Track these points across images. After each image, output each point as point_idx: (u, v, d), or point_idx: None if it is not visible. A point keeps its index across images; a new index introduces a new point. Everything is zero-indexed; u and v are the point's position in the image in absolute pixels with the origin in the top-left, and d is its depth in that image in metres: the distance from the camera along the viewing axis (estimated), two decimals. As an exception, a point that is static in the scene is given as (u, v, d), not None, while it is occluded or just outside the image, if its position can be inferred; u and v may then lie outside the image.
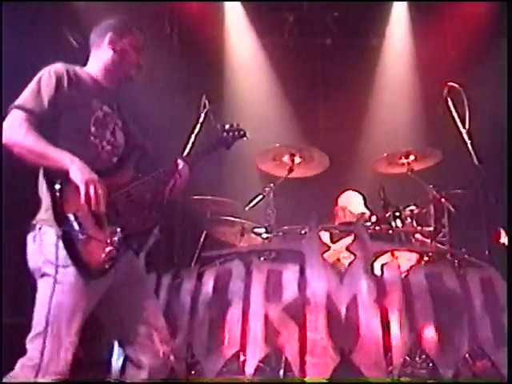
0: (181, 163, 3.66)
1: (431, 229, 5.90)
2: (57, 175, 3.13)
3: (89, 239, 3.10)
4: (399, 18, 8.26)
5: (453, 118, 5.15)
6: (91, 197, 3.12)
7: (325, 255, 4.93)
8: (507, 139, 3.61)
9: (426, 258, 5.57)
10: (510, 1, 5.00)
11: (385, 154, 6.21)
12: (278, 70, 8.39)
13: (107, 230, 3.19)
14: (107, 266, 3.16)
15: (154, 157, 3.71)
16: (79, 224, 3.09)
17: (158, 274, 4.92)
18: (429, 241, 5.88)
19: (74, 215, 3.10)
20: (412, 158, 6.12)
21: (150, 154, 3.65)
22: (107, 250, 3.15)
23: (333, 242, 5.81)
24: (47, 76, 3.30)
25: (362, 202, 6.51)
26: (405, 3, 8.17)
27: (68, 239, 3.07)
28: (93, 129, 3.38)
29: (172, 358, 3.45)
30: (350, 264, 4.83)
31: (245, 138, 4.13)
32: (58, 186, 3.10)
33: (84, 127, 3.36)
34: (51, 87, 3.27)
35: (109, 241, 3.17)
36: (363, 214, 6.20)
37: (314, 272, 4.69)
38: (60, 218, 3.09)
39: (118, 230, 3.22)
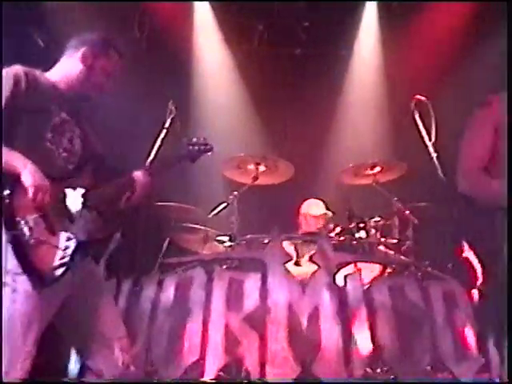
0: (138, 175, 3.60)
1: (395, 241, 5.89)
2: (7, 178, 3.06)
3: (40, 244, 3.03)
4: (369, 28, 8.26)
5: (419, 130, 5.15)
6: (38, 202, 3.05)
7: (289, 265, 4.91)
8: (507, 143, 3.62)
9: (389, 270, 5.57)
10: (510, 1, 5.02)
11: (351, 165, 6.21)
12: (247, 77, 8.35)
13: (60, 236, 3.12)
14: (59, 273, 3.08)
15: (117, 162, 3.65)
16: (30, 229, 3.02)
17: (119, 280, 4.85)
18: (392, 253, 5.88)
19: (25, 220, 3.02)
20: (378, 169, 6.12)
21: (109, 162, 3.59)
22: (59, 255, 3.07)
23: (297, 252, 5.78)
24: (5, 77, 3.22)
25: (324, 206, 6.52)
26: (374, 15, 8.17)
27: (17, 244, 2.99)
28: (49, 135, 3.30)
29: (132, 367, 3.39)
30: (312, 275, 4.80)
31: (209, 153, 4.07)
32: (6, 192, 3.02)
33: (40, 132, 3.28)
34: (8, 89, 3.19)
35: (61, 247, 3.10)
36: (323, 215, 6.20)
37: (276, 282, 4.65)
38: (9, 223, 3.00)
39: (72, 236, 3.15)
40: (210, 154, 4.06)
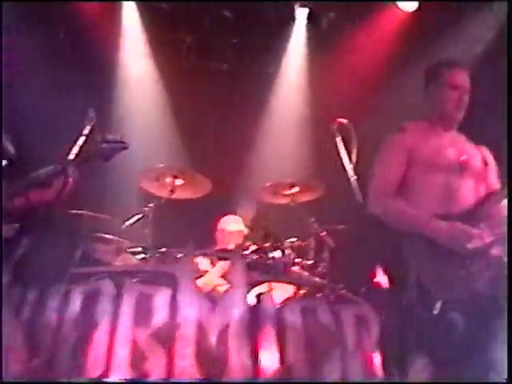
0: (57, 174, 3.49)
1: (310, 262, 5.89)
2: None
3: None
4: (297, 48, 8.25)
5: (339, 153, 5.15)
6: None
7: (201, 281, 4.83)
8: (507, 141, 3.65)
9: (302, 291, 5.55)
10: (510, 1, 5.10)
11: (269, 184, 6.19)
12: (172, 89, 8.25)
13: None
14: None
15: (32, 164, 3.54)
16: None
17: (24, 288, 4.67)
18: (307, 274, 5.86)
19: None
20: (296, 189, 6.13)
21: (23, 163, 3.47)
22: None
23: (210, 268, 5.71)
24: None
25: (241, 223, 6.48)
26: (303, 36, 8.19)
27: None
28: None
29: (28, 377, 3.26)
30: (224, 292, 4.74)
31: (126, 151, 3.92)
32: None
33: None
34: None
35: None
36: (240, 232, 6.16)
37: (187, 298, 4.57)
38: None
39: None
40: (126, 151, 3.90)
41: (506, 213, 3.83)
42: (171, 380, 4.27)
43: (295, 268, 5.88)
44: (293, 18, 8.09)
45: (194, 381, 4.30)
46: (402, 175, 3.98)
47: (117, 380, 3.88)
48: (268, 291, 5.09)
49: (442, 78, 4.12)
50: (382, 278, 4.53)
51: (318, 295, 5.52)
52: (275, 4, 7.96)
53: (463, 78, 4.13)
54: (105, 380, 3.33)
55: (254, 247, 5.74)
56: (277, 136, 8.23)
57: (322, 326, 4.70)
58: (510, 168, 3.69)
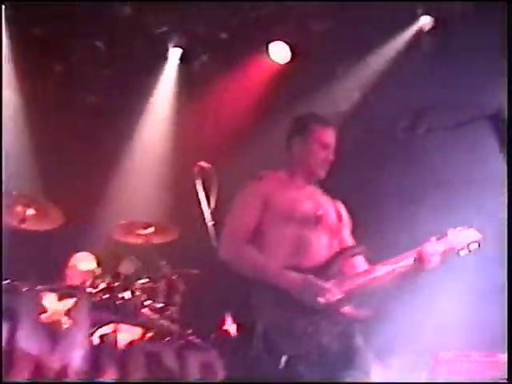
0: None
1: (161, 305, 5.77)
2: None
3: None
4: (167, 86, 8.22)
5: (199, 197, 5.11)
6: None
7: (44, 316, 4.65)
8: (507, 142, 3.65)
9: (149, 334, 5.43)
10: (510, 1, 5.15)
11: (124, 222, 6.11)
12: (34, 117, 7.96)
13: None
14: None
15: None
16: None
17: None
18: (156, 317, 5.74)
19: None
20: (151, 229, 6.06)
21: None
22: None
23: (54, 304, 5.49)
24: None
25: (94, 260, 6.29)
26: (174, 75, 8.16)
27: None
28: None
29: None
30: (67, 330, 4.57)
31: None
32: None
33: None
34: None
35: None
36: (92, 271, 5.97)
37: (27, 333, 4.37)
38: None
39: None
40: None
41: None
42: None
43: (145, 310, 5.74)
44: (166, 57, 8.06)
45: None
46: (256, 223, 3.97)
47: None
48: (113, 332, 4.94)
49: (311, 134, 4.13)
50: (230, 327, 4.50)
51: (166, 339, 5.41)
52: (151, 40, 7.90)
53: (332, 137, 4.18)
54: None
55: (103, 285, 5.56)
56: (139, 174, 8.12)
57: (167, 371, 4.63)
58: (510, 168, 3.73)
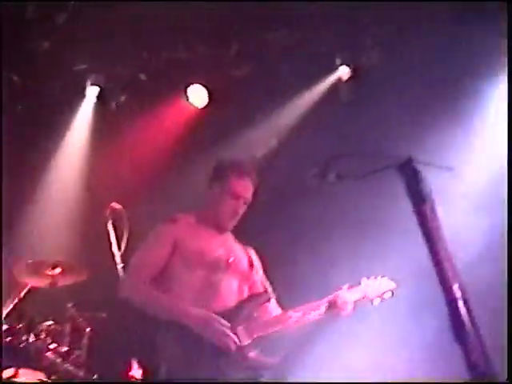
0: None
1: (66, 349, 5.59)
2: None
3: None
4: (82, 125, 8.03)
5: (110, 239, 5.02)
6: None
7: None
8: (508, 143, 3.59)
9: (53, 379, 5.24)
10: (510, 1, 5.14)
11: (30, 261, 5.89)
12: None
13: None
14: None
15: None
16: None
17: None
18: (61, 361, 5.54)
19: None
20: (59, 270, 5.88)
21: None
22: None
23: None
24: None
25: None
26: (90, 114, 8.05)
27: None
28: None
29: None
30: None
31: None
32: None
33: None
34: None
35: None
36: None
37: None
38: None
39: None
40: None
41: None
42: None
43: (49, 354, 5.54)
44: (83, 94, 7.94)
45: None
46: (164, 265, 3.96)
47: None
48: (13, 376, 4.74)
49: (226, 183, 4.14)
50: (136, 372, 4.40)
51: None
52: (70, 76, 7.76)
53: (246, 188, 4.18)
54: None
55: (5, 327, 5.35)
56: (51, 213, 7.90)
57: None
58: (510, 168, 3.69)
